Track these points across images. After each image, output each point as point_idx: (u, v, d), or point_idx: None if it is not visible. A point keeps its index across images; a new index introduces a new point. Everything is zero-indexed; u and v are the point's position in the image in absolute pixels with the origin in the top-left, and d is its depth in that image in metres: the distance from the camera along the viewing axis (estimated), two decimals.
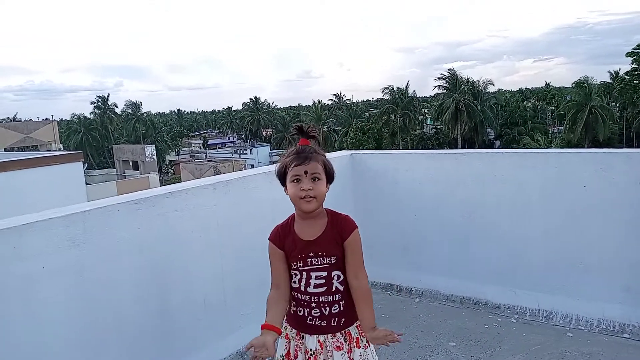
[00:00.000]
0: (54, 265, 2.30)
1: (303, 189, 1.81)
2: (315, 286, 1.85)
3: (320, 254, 1.84)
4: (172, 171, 64.06)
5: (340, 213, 1.94)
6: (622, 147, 41.69)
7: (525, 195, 3.58)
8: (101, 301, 2.50)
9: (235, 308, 3.24)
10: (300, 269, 1.85)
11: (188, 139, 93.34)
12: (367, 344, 1.91)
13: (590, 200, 3.33)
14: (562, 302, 3.48)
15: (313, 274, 1.84)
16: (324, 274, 1.84)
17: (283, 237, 1.91)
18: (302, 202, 1.82)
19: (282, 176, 1.91)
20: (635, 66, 50.38)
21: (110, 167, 47.65)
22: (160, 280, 2.79)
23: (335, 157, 4.02)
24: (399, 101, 55.15)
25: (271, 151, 67.72)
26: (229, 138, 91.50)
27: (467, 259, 3.86)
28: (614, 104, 53.06)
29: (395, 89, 57.05)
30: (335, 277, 1.86)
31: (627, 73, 52.19)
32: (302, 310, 1.88)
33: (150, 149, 39.21)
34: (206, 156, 67.77)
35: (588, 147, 39.67)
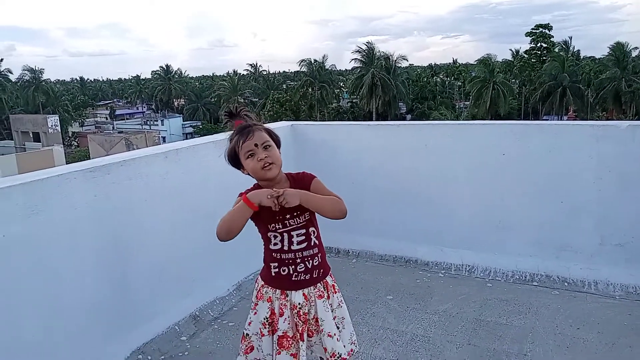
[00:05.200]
0: (14, 234, 2.28)
1: (260, 159, 1.92)
2: (298, 243, 2.00)
3: (295, 214, 1.97)
4: (75, 143, 60.07)
5: (296, 172, 2.08)
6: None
7: (453, 163, 3.96)
8: (61, 269, 2.50)
9: (186, 274, 3.33)
10: (280, 230, 1.98)
11: (93, 109, 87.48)
12: (338, 289, 2.13)
13: (509, 166, 3.76)
14: (483, 257, 3.93)
15: (294, 233, 1.99)
16: (303, 230, 2.00)
17: None
18: (265, 172, 1.93)
19: (234, 159, 2.01)
20: (533, 45, 54.39)
21: (7, 140, 43.82)
22: (117, 247, 2.82)
23: (275, 128, 4.10)
24: (317, 74, 55.48)
25: (184, 122, 65.43)
26: (137, 108, 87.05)
27: (399, 222, 4.21)
28: (514, 80, 57.04)
29: (312, 61, 57.26)
30: (312, 232, 2.02)
31: (526, 52, 56.29)
32: (286, 269, 2.00)
33: (53, 120, 36.50)
34: (113, 127, 64.22)
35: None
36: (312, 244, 2.03)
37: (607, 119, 46.02)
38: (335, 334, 2.02)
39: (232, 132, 2.03)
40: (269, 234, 2.01)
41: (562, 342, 2.92)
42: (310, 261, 2.02)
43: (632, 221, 3.48)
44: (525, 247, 3.81)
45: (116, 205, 2.79)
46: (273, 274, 2.02)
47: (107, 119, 79.15)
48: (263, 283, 2.06)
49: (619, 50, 49.90)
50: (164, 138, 51.97)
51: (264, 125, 2.06)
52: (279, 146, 2.02)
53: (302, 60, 57.83)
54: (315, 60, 57.70)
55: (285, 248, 2.00)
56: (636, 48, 50.70)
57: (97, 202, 2.68)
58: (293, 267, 2.00)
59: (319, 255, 2.05)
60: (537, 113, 52.89)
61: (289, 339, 1.98)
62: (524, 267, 3.79)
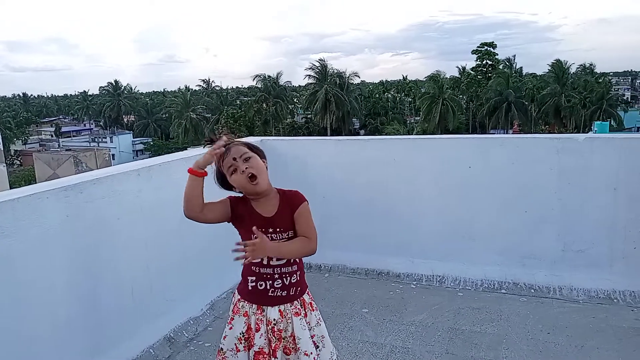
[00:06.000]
0: None
1: (243, 171, 1.93)
2: (278, 258, 1.99)
3: (278, 230, 1.98)
4: (18, 162, 57.36)
5: (289, 189, 2.08)
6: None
7: (421, 176, 4.06)
8: (31, 291, 2.38)
9: (160, 294, 3.24)
10: None
11: (37, 126, 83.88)
12: (316, 307, 2.13)
13: (474, 178, 3.90)
14: (452, 267, 4.03)
15: None
16: None
17: (240, 204, 2.01)
18: (253, 186, 1.94)
19: (223, 180, 2.02)
20: (479, 62, 56.68)
21: None
22: (89, 268, 2.71)
23: None
24: (271, 90, 55.55)
25: (134, 139, 63.87)
26: (85, 125, 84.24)
27: (370, 235, 4.26)
28: (461, 96, 59.05)
29: (267, 77, 57.31)
30: None
31: (472, 69, 58.55)
32: (263, 284, 1.99)
33: None
34: (59, 145, 61.81)
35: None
36: (292, 261, 2.03)
37: (549, 132, 48.31)
38: (312, 353, 2.01)
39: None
40: None
41: (535, 346, 3.03)
42: (288, 278, 2.02)
43: (591, 228, 3.67)
44: (492, 256, 3.94)
45: (89, 224, 2.70)
46: (250, 288, 2.02)
47: (52, 136, 76.07)
48: (240, 297, 2.05)
49: (559, 68, 52.75)
50: (113, 155, 50.46)
51: (243, 140, 2.07)
52: (262, 157, 2.03)
53: (257, 76, 57.83)
54: (269, 76, 57.85)
55: (265, 262, 1.99)
56: (574, 64, 53.87)
57: (69, 222, 2.58)
58: (270, 282, 2.00)
59: (298, 272, 2.05)
60: (484, 127, 54.83)
61: (265, 355, 1.98)
62: (492, 275, 3.91)
